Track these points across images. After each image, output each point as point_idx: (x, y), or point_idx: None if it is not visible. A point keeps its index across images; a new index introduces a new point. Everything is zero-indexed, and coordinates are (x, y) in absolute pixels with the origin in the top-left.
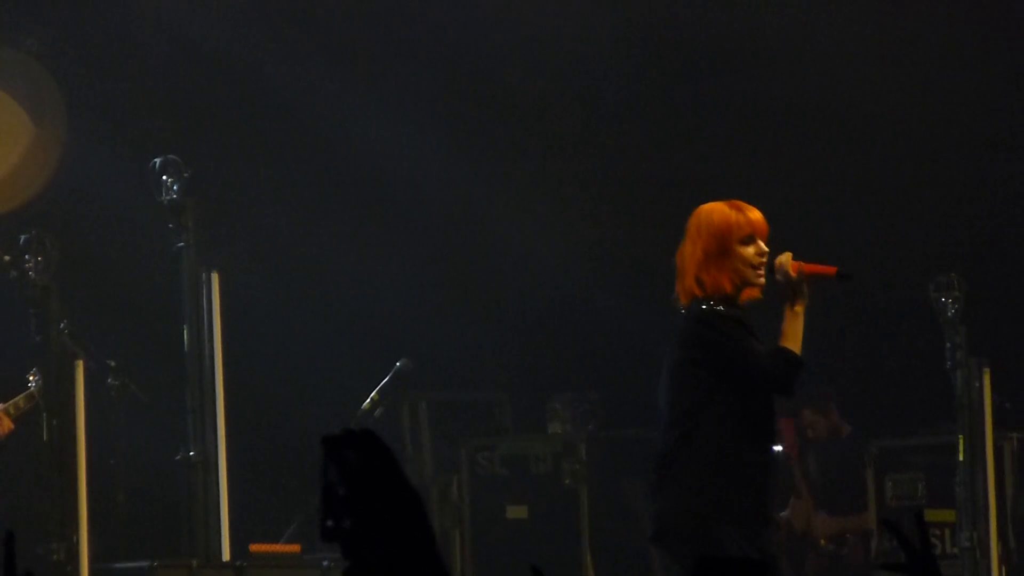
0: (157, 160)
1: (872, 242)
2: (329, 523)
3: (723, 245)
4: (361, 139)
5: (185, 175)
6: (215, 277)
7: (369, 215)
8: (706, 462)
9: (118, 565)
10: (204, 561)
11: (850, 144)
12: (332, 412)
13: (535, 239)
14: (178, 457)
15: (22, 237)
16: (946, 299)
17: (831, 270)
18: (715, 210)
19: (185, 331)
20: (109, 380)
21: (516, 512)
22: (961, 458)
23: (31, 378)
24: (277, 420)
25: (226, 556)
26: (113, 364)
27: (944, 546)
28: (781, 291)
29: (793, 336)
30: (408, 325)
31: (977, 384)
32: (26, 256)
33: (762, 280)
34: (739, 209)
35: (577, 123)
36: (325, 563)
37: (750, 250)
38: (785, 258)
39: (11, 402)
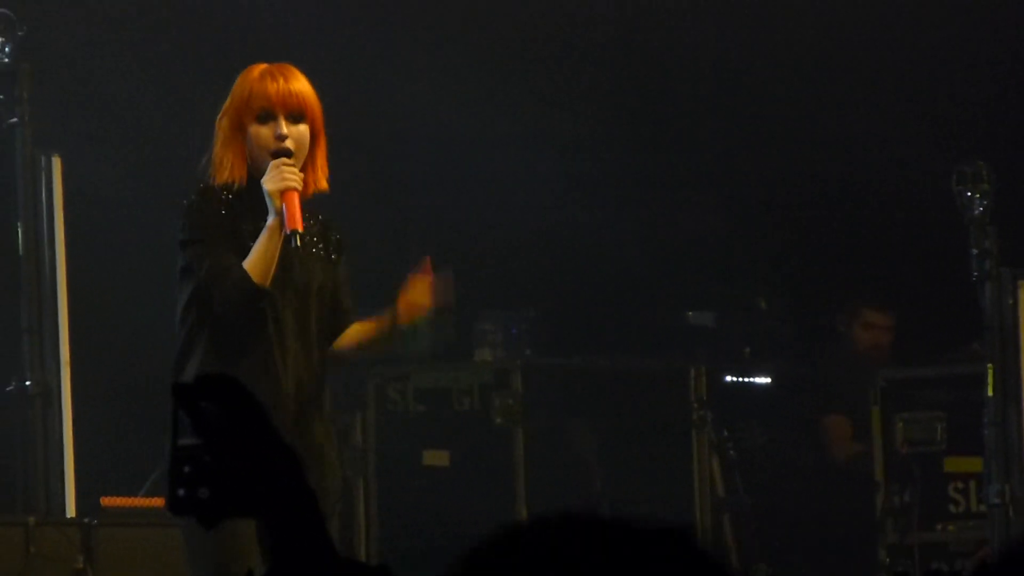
0: None
1: (883, 123)
2: (180, 492)
3: (237, 120)
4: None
5: (19, 34)
6: (56, 162)
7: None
8: None
9: None
10: (43, 518)
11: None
12: None
13: (460, 126)
14: (10, 387)
15: None
16: (972, 193)
17: (293, 225)
18: (242, 73)
19: (19, 229)
20: None
21: (435, 458)
22: (990, 393)
23: None
24: (135, 342)
25: (71, 512)
26: None
27: (969, 502)
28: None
29: (258, 257)
30: None
31: (1010, 301)
32: None
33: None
34: (264, 77)
35: None
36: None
37: (265, 130)
38: (292, 175)
39: None
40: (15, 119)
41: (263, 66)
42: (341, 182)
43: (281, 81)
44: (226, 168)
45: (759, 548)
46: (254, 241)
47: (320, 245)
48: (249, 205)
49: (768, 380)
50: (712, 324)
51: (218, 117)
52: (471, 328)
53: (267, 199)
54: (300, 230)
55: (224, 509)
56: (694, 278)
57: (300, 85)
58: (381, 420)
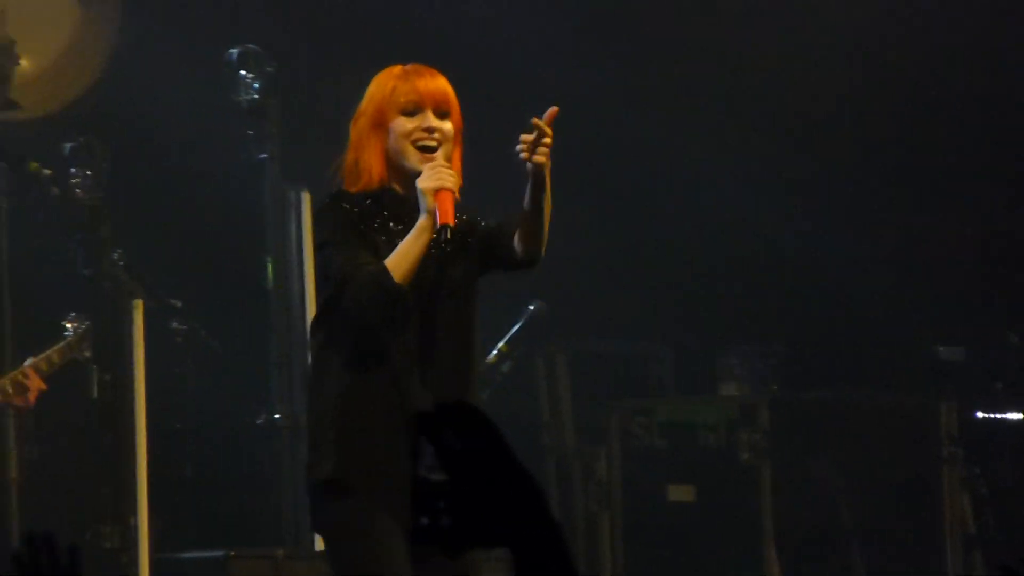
0: (234, 51)
1: None
2: (423, 521)
3: (379, 116)
4: (492, 31)
5: (268, 70)
6: (306, 197)
7: (500, 125)
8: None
9: (185, 555)
10: (292, 551)
11: None
12: None
13: (704, 160)
14: (260, 420)
15: (66, 146)
16: None
17: (446, 219)
18: (378, 75)
19: (268, 264)
20: (174, 324)
21: (680, 493)
22: None
23: (68, 325)
24: None
25: (320, 545)
26: (179, 304)
27: None
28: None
29: (402, 255)
30: (546, 259)
31: None
32: (71, 169)
33: (430, 157)
34: (409, 73)
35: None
36: None
37: (411, 123)
38: (448, 175)
39: (42, 356)
40: (265, 154)
41: (402, 66)
42: (586, 221)
43: (428, 77)
44: (363, 171)
45: None
46: (387, 245)
47: (457, 243)
48: (383, 207)
49: (1021, 416)
50: (962, 359)
51: (352, 119)
52: (716, 363)
53: (420, 197)
54: (452, 224)
55: (467, 540)
56: (944, 312)
57: (445, 83)
58: (625, 455)
